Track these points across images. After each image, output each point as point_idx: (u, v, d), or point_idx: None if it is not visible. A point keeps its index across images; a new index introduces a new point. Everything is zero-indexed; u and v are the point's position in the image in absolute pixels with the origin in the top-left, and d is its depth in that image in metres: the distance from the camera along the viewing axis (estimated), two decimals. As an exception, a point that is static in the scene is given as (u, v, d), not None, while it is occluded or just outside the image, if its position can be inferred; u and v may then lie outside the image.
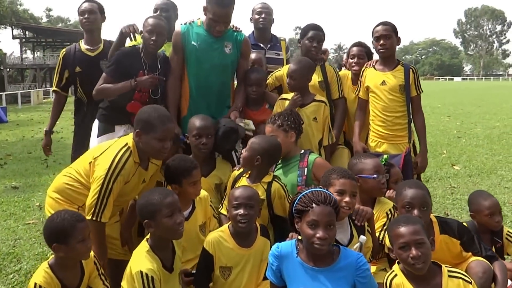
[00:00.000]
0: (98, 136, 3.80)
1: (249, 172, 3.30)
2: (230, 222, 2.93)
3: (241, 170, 3.39)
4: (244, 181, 3.27)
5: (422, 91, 3.97)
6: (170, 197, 2.57)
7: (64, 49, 4.24)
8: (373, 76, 3.94)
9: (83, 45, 4.18)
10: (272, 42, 4.70)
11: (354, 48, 4.33)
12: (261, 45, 4.62)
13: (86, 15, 4.06)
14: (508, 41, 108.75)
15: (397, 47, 4.02)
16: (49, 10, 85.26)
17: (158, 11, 4.23)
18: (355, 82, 4.23)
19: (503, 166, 7.81)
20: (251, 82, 3.99)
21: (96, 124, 3.86)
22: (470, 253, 2.89)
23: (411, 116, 3.92)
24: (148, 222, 2.53)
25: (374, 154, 3.75)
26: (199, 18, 3.94)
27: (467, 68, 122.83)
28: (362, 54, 4.26)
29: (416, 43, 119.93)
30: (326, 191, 2.50)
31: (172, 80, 3.86)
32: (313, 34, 4.07)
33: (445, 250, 2.89)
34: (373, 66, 4.00)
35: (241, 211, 2.75)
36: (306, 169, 3.38)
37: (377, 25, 3.93)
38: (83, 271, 2.63)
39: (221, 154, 3.77)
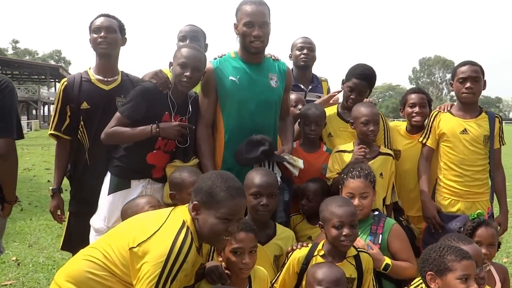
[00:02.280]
0: (109, 193, 3.00)
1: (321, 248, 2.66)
2: None
3: (308, 247, 2.71)
4: (319, 259, 2.61)
5: (505, 143, 3.47)
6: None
7: (65, 79, 3.25)
8: (450, 123, 3.38)
9: (93, 75, 3.22)
10: (313, 83, 4.19)
11: (414, 96, 3.69)
12: (302, 86, 4.09)
13: (102, 33, 3.12)
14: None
15: None
16: (16, 42, 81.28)
17: (188, 40, 3.57)
18: (413, 132, 3.69)
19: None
20: (309, 120, 3.43)
21: (107, 178, 3.05)
22: None
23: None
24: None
25: (449, 216, 3.28)
26: (228, 52, 3.32)
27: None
28: (424, 102, 3.67)
29: (375, 87, 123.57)
30: None
31: (204, 129, 3.18)
32: (354, 85, 3.52)
33: None
34: (449, 111, 3.47)
35: None
36: (381, 235, 2.86)
37: (463, 65, 3.38)
38: None
39: (239, 163, 3.07)
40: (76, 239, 3.16)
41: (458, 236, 2.64)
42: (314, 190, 3.21)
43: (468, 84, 3.30)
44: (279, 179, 3.02)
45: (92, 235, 2.99)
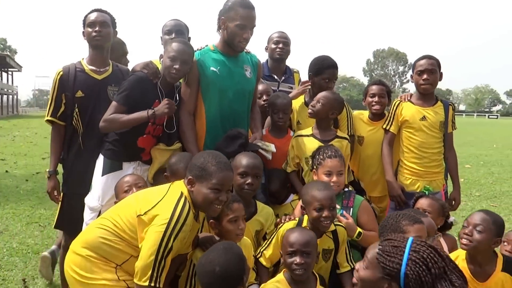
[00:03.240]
0: (103, 174, 3.23)
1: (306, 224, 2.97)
2: (284, 269, 2.69)
3: (296, 221, 3.03)
4: (281, 276, 2.90)
5: (456, 128, 3.89)
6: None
7: (61, 69, 3.40)
8: (411, 110, 3.76)
9: (86, 65, 3.41)
10: (286, 74, 4.46)
11: (374, 87, 4.05)
12: (275, 77, 4.36)
13: (97, 28, 3.30)
14: (408, 81, 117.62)
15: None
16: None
17: (174, 34, 3.77)
18: (374, 120, 4.04)
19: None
20: (277, 108, 3.72)
21: (100, 161, 3.26)
22: None
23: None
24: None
25: (411, 193, 3.64)
26: (207, 45, 3.58)
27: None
28: (384, 93, 4.02)
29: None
30: None
31: (187, 116, 3.43)
32: (329, 75, 3.87)
33: (499, 287, 2.79)
34: (410, 100, 3.84)
35: (297, 259, 2.53)
36: (351, 209, 3.19)
37: (421, 59, 3.76)
38: None
39: None
40: (68, 218, 3.39)
41: (415, 211, 3.00)
42: None
43: (425, 76, 3.69)
44: None
45: (87, 213, 3.20)
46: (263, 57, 4.26)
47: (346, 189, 3.32)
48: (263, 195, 3.47)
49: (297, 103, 4.02)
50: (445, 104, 3.78)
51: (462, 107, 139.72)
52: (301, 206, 2.98)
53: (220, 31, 3.44)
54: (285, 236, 2.69)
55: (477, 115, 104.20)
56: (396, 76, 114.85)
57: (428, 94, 3.78)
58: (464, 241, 2.74)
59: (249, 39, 3.40)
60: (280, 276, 2.68)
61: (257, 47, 3.92)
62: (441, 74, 3.78)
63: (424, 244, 1.92)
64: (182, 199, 2.35)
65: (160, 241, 2.22)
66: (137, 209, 2.35)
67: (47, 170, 3.48)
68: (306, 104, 3.95)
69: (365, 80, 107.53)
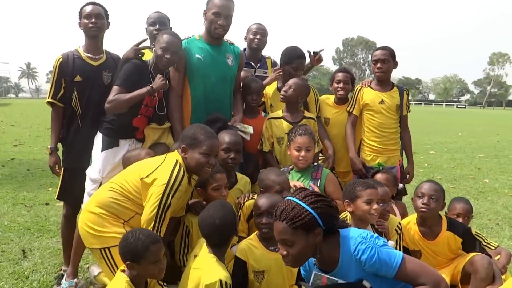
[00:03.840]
0: (102, 150, 3.60)
1: None
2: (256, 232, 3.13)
3: (255, 197, 3.46)
4: (254, 236, 3.33)
5: (410, 111, 4.41)
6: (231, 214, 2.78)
7: (60, 56, 3.71)
8: (371, 95, 4.26)
9: (83, 53, 3.75)
10: (261, 61, 4.88)
11: (340, 74, 4.52)
12: (252, 63, 4.77)
13: (93, 19, 3.64)
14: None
15: None
16: None
17: (158, 25, 4.17)
18: (339, 104, 4.52)
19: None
20: (251, 91, 4.15)
21: (99, 138, 3.64)
22: (463, 252, 3.38)
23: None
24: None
25: (370, 168, 4.15)
26: (194, 34, 4.00)
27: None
28: (348, 80, 4.49)
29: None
30: None
31: (175, 98, 3.85)
32: (298, 64, 4.31)
33: (445, 244, 3.39)
34: (369, 86, 4.34)
35: (263, 219, 2.96)
36: (319, 180, 3.64)
37: (377, 49, 4.30)
38: (147, 281, 2.68)
39: None
40: (68, 190, 3.78)
41: (373, 181, 3.51)
42: None
43: (378, 65, 4.23)
44: None
45: (89, 184, 3.61)
46: (242, 45, 4.65)
47: (315, 163, 3.79)
48: (241, 170, 3.92)
49: (270, 89, 4.47)
50: (400, 89, 4.31)
51: (431, 97, 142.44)
52: (261, 191, 3.40)
53: (204, 22, 3.86)
54: (255, 201, 3.14)
55: (446, 104, 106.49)
56: (366, 64, 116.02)
57: (384, 80, 4.30)
58: (423, 209, 3.31)
59: (225, 26, 3.80)
60: (253, 235, 3.14)
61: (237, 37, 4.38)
62: (395, 63, 4.29)
63: (299, 191, 2.40)
64: (178, 165, 2.82)
65: (160, 198, 2.71)
66: (140, 173, 2.82)
67: (49, 146, 3.79)
68: (279, 89, 4.39)
69: (334, 69, 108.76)
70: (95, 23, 3.66)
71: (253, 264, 2.97)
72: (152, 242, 2.51)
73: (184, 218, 3.20)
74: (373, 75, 4.32)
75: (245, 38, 4.86)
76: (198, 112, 3.88)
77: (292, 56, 4.32)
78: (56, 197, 3.97)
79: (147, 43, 3.96)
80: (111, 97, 3.49)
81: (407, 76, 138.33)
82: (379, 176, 3.79)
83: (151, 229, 2.71)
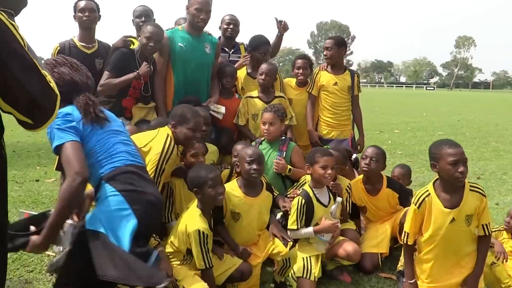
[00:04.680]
0: None
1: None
2: (237, 178, 3.65)
3: (229, 169, 4.08)
4: (234, 182, 3.76)
5: (361, 91, 5.11)
6: (214, 172, 3.25)
7: (57, 44, 4.28)
8: (326, 77, 4.93)
9: (78, 42, 4.30)
10: (235, 47, 5.44)
11: (299, 61, 5.13)
12: (226, 49, 5.35)
13: (87, 13, 4.21)
14: (351, 53, 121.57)
15: None
16: None
17: (143, 17, 4.75)
18: (300, 86, 5.15)
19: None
20: (226, 74, 4.73)
21: None
22: (402, 207, 4.06)
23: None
24: (196, 190, 3.21)
25: (327, 140, 4.86)
26: (179, 26, 4.61)
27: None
28: (307, 65, 5.12)
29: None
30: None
31: (160, 80, 4.43)
32: (264, 50, 4.93)
33: (385, 199, 4.07)
34: (326, 70, 5.01)
35: (254, 166, 3.40)
36: (285, 152, 4.22)
37: (327, 39, 5.05)
38: None
39: None
40: None
41: (331, 148, 4.18)
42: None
43: (325, 52, 4.97)
44: None
45: None
46: (217, 34, 5.27)
47: (283, 137, 4.35)
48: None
49: (241, 73, 5.06)
50: (352, 73, 5.00)
51: (402, 79, 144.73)
52: (235, 162, 3.80)
53: (187, 15, 4.47)
54: (244, 151, 3.51)
55: (416, 86, 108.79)
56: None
57: (336, 65, 4.99)
58: (365, 169, 4.00)
59: (206, 20, 4.43)
60: (234, 182, 3.58)
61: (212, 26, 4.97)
62: (342, 49, 4.96)
63: None
64: (169, 138, 3.35)
65: (156, 165, 3.25)
66: (138, 143, 3.31)
67: None
68: (249, 74, 5.02)
69: (310, 52, 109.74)
70: (88, 16, 4.25)
71: (230, 206, 3.46)
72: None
73: (169, 181, 3.78)
74: (345, 59, 4.94)
75: (220, 28, 5.42)
76: (179, 93, 4.49)
77: (259, 43, 4.93)
78: (55, 169, 4.50)
79: (133, 34, 4.58)
80: (102, 81, 4.05)
81: (379, 59, 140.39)
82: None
83: None
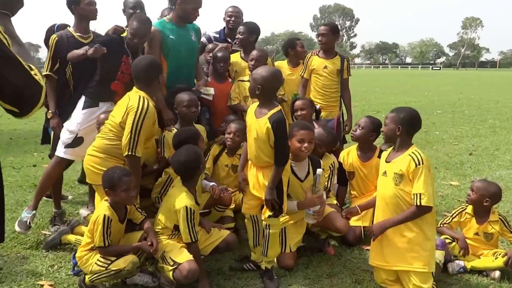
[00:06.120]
0: (83, 109, 4.24)
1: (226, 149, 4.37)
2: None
3: (220, 147, 4.44)
4: (224, 155, 4.31)
5: (351, 75, 5.37)
6: (128, 176, 3.29)
7: (55, 35, 4.37)
8: (317, 62, 5.18)
9: (74, 32, 4.41)
10: (237, 38, 5.53)
11: (298, 42, 5.53)
12: (229, 40, 5.59)
13: (95, 6, 4.42)
14: (355, 35, 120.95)
15: (259, 38, 5.28)
16: None
17: (134, 9, 4.97)
18: (293, 66, 5.47)
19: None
20: (218, 59, 4.98)
21: (82, 99, 4.26)
22: None
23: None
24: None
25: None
26: (164, 18, 4.81)
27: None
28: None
29: (277, 34, 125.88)
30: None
31: None
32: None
33: (373, 167, 4.24)
34: (317, 54, 5.26)
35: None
36: None
37: (321, 25, 5.30)
38: (126, 207, 3.46)
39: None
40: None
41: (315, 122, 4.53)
42: (238, 129, 4.31)
43: (319, 38, 5.22)
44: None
45: (65, 134, 4.23)
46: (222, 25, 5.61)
47: None
48: (209, 127, 4.77)
49: (235, 58, 5.28)
50: (342, 57, 5.25)
51: (408, 60, 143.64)
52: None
53: (175, 7, 4.67)
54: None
55: (421, 67, 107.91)
56: (343, 31, 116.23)
57: (328, 50, 5.24)
58: (351, 134, 4.37)
59: (197, 16, 4.71)
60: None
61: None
62: (336, 36, 5.23)
63: None
64: (142, 97, 3.44)
65: (132, 122, 3.35)
66: (118, 117, 3.49)
67: (50, 111, 4.40)
68: (242, 58, 5.26)
69: (313, 35, 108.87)
70: (96, 10, 4.48)
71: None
72: (124, 174, 3.22)
73: (169, 171, 3.98)
74: (348, 41, 5.18)
75: (223, 19, 5.65)
76: (171, 78, 4.67)
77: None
78: (48, 156, 4.76)
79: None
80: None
81: (384, 40, 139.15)
82: (297, 103, 4.68)
83: (127, 150, 3.37)
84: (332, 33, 5.18)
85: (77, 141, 4.21)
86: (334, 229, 3.93)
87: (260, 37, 5.29)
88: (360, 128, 4.32)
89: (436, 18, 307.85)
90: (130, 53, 4.38)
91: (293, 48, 5.50)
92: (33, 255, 3.91)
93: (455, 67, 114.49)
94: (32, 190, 5.61)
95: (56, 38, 4.38)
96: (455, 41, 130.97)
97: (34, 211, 4.21)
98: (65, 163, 4.48)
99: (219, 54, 5.01)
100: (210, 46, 5.37)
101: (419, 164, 3.22)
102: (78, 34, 4.46)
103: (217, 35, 5.72)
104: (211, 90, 4.78)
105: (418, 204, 3.19)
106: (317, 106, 5.00)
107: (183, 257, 3.25)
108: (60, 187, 4.77)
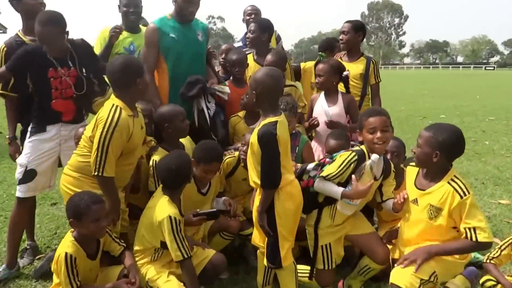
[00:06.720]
0: (29, 137, 3.61)
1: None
2: None
3: (235, 157, 3.79)
4: (241, 169, 3.73)
5: (381, 80, 4.60)
6: (98, 203, 2.79)
7: (4, 45, 3.65)
8: None
9: (24, 37, 3.72)
10: None
11: None
12: None
13: (40, 0, 3.71)
14: (404, 33, 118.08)
15: (306, 37, 4.83)
16: None
17: (131, 8, 4.47)
18: None
19: (413, 143, 8.79)
20: (233, 63, 4.35)
21: (30, 126, 3.64)
22: None
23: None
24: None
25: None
26: (166, 13, 4.21)
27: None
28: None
29: (323, 33, 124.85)
30: None
31: (150, 76, 3.96)
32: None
33: None
34: (341, 58, 4.60)
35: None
36: (297, 147, 3.87)
37: (344, 22, 4.60)
38: (99, 240, 2.94)
39: (185, 100, 4.04)
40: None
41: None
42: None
43: (340, 36, 4.59)
44: (214, 106, 4.14)
45: (18, 169, 3.62)
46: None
47: (294, 131, 3.94)
48: (223, 129, 4.22)
49: (249, 60, 4.62)
50: (368, 60, 4.55)
51: (460, 59, 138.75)
52: None
53: (173, 3, 4.08)
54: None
55: (474, 67, 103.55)
56: (392, 29, 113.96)
57: (351, 51, 4.60)
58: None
59: (194, 12, 4.07)
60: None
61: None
62: (359, 34, 4.56)
63: None
64: (114, 108, 2.90)
65: (98, 141, 2.84)
66: (88, 133, 3.02)
67: (7, 136, 3.82)
68: (255, 60, 4.63)
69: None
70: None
71: None
72: (94, 202, 2.71)
73: None
74: (397, 40, 4.54)
75: (243, 20, 5.08)
76: (176, 84, 4.09)
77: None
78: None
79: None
80: None
81: (434, 38, 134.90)
82: (318, 67, 4.06)
83: (94, 170, 2.87)
84: (355, 31, 4.52)
85: (28, 175, 3.57)
86: (370, 256, 3.15)
87: (307, 36, 4.87)
88: (395, 155, 3.64)
89: (490, 13, 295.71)
90: (56, 60, 3.51)
91: (332, 51, 4.97)
92: (22, 285, 3.60)
93: (511, 67, 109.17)
94: (43, 201, 5.48)
95: (5, 49, 3.68)
96: (510, 38, 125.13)
97: (12, 270, 3.68)
98: (31, 202, 3.81)
99: (234, 57, 4.38)
100: (223, 46, 4.80)
101: (465, 195, 2.72)
102: (30, 38, 3.72)
103: (240, 43, 5.18)
104: (226, 89, 4.22)
105: (474, 240, 2.70)
106: (346, 72, 4.18)
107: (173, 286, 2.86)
108: (33, 219, 4.16)
